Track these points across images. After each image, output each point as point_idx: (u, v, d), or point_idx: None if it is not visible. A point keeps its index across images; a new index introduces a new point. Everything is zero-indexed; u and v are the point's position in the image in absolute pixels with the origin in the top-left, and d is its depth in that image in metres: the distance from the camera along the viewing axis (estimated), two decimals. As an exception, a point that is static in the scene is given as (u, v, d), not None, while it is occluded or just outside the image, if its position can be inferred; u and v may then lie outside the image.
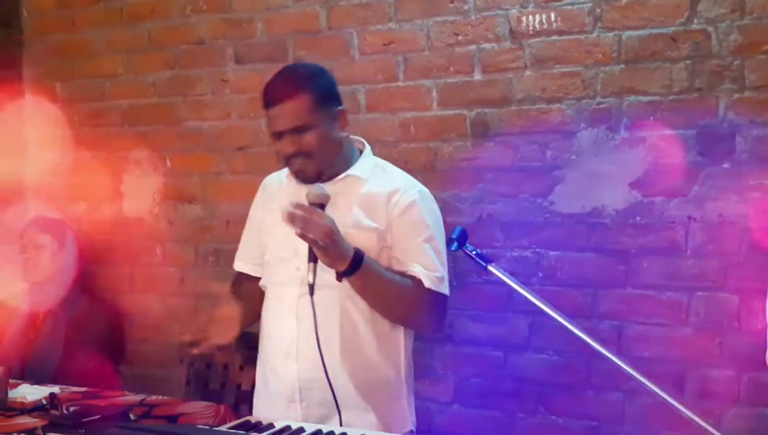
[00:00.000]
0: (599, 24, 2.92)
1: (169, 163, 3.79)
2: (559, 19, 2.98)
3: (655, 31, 2.84)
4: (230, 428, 1.93)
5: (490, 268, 1.88)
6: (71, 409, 2.37)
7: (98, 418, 2.07)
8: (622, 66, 2.89)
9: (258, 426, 1.94)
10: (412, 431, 2.38)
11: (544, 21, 3.01)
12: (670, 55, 2.83)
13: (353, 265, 2.08)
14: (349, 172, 2.30)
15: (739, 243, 2.75)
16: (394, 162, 3.22)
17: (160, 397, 2.66)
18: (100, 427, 1.87)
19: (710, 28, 2.77)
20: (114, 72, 3.91)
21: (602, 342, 1.69)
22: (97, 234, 3.91)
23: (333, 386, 2.10)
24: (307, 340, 2.16)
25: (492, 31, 3.09)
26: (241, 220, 3.57)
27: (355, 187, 2.28)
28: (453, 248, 1.97)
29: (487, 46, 3.10)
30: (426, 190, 2.37)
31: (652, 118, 2.86)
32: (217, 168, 3.68)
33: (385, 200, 2.26)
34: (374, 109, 3.33)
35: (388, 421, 2.27)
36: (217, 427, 2.04)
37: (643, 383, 1.60)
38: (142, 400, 2.59)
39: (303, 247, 2.11)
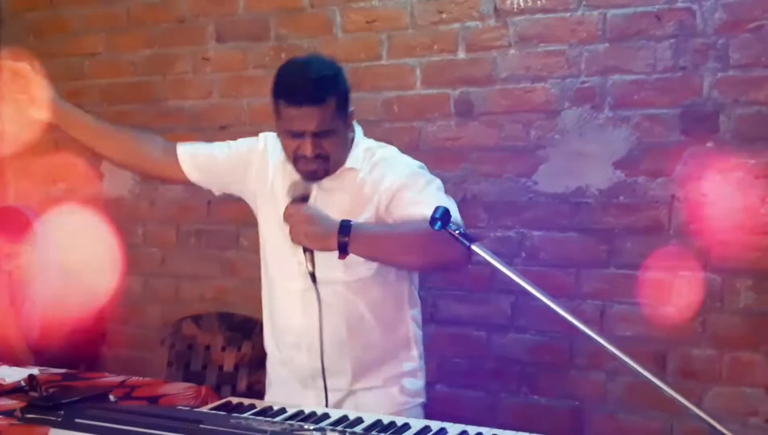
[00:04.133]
0: (584, 2, 2.90)
1: (149, 143, 3.75)
2: (543, -3, 2.97)
3: (639, 9, 2.83)
4: (211, 409, 1.91)
5: (474, 247, 1.85)
6: (50, 390, 2.35)
7: (78, 400, 2.04)
8: (607, 45, 2.88)
9: (240, 407, 1.93)
10: (424, 403, 2.40)
11: (528, -1, 2.99)
12: (654, 34, 2.81)
13: (342, 235, 2.03)
14: (347, 165, 2.26)
15: (721, 222, 2.75)
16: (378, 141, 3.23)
17: (140, 378, 2.64)
18: (79, 408, 1.83)
19: (695, 7, 2.76)
20: (93, 50, 3.86)
21: (585, 321, 1.68)
22: (77, 215, 3.87)
23: (343, 372, 2.22)
24: (314, 331, 2.18)
25: (476, 9, 3.07)
26: (223, 200, 3.56)
27: (349, 178, 2.26)
28: (436, 228, 1.94)
29: (471, 24, 3.08)
30: (411, 160, 2.31)
31: (636, 97, 2.85)
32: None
33: (377, 184, 2.24)
34: (357, 87, 3.26)
35: (406, 395, 2.33)
36: (198, 408, 2.02)
37: (625, 362, 1.58)
38: (123, 381, 2.57)
39: None
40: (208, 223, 3.65)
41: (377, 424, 1.82)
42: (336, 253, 2.04)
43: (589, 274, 2.94)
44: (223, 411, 1.88)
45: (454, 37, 3.10)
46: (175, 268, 3.71)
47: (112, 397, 2.26)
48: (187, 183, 2.49)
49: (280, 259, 2.33)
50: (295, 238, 2.07)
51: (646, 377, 1.57)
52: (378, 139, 3.19)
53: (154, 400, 2.39)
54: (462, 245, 2.04)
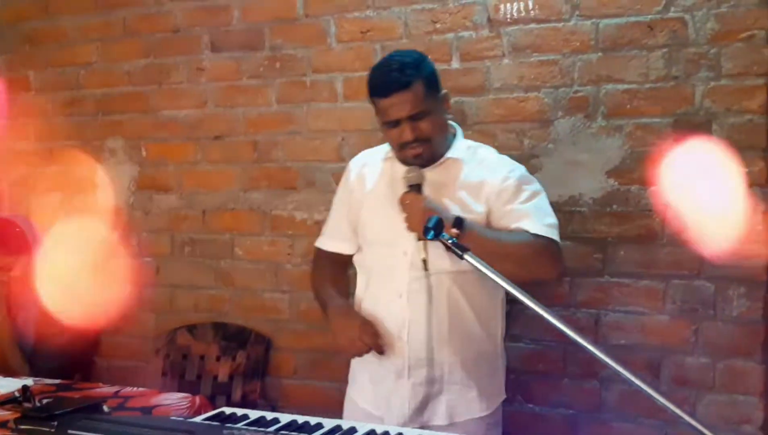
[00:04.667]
0: (576, 12, 2.92)
1: (144, 153, 3.75)
2: (536, 7, 2.98)
3: (632, 19, 2.84)
4: (204, 419, 1.91)
5: (467, 257, 1.87)
6: (44, 401, 2.34)
7: (71, 411, 2.03)
8: (600, 54, 2.89)
9: (233, 417, 1.93)
10: (504, 399, 2.50)
11: (521, 9, 3.00)
12: (647, 44, 2.83)
13: (456, 229, 2.11)
14: (448, 155, 2.36)
15: (714, 231, 2.76)
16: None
17: (135, 388, 2.64)
18: (73, 419, 1.84)
19: (687, 16, 2.77)
20: (88, 60, 3.86)
21: (579, 330, 1.69)
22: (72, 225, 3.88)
23: (440, 364, 2.30)
24: (418, 321, 2.28)
25: (470, 19, 3.08)
26: (218, 210, 3.58)
27: (454, 169, 2.35)
28: (429, 237, 1.96)
29: (464, 34, 3.09)
30: (518, 164, 2.41)
31: (628, 106, 2.86)
32: (194, 157, 3.64)
33: (482, 184, 2.32)
34: (352, 97, 3.31)
35: (488, 393, 2.41)
36: (191, 418, 2.02)
37: (619, 371, 1.59)
38: (117, 391, 2.57)
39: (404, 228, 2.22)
40: (202, 233, 3.65)
41: (371, 434, 1.82)
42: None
43: (583, 283, 2.95)
44: (217, 421, 1.88)
45: (448, 47, 3.11)
46: (170, 278, 3.71)
47: (105, 408, 2.25)
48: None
49: (382, 247, 2.39)
50: (411, 226, 2.17)
51: (638, 386, 1.58)
52: (373, 147, 3.21)
53: (147, 410, 2.39)
54: (557, 264, 2.28)
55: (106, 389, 2.62)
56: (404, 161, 2.32)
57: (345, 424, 1.87)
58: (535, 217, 2.26)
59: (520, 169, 2.39)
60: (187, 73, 3.64)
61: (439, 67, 3.07)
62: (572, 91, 2.94)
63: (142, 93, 3.74)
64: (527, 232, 2.24)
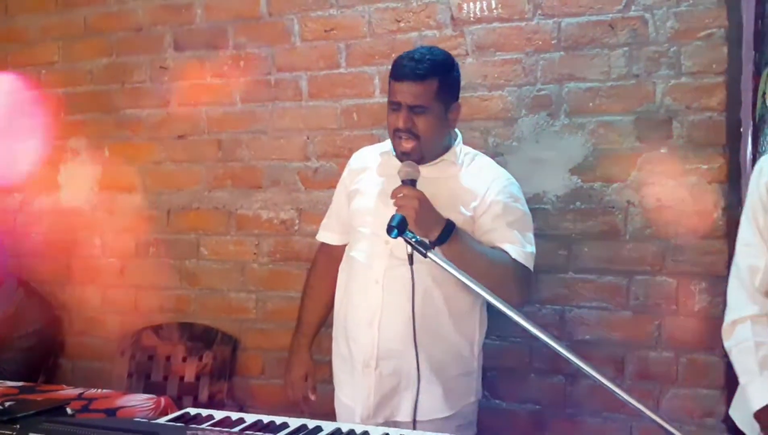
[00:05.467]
0: (539, 11, 2.94)
1: (107, 153, 3.72)
2: (499, 6, 3.00)
3: (593, 18, 2.87)
4: (169, 421, 1.90)
5: (430, 254, 1.88)
6: (7, 404, 2.30)
7: (34, 413, 2.01)
8: (562, 53, 2.92)
9: (197, 418, 1.92)
10: (478, 400, 2.54)
11: (484, 8, 3.02)
12: (608, 42, 2.86)
13: (444, 233, 2.20)
14: (445, 157, 2.40)
15: (676, 227, 2.80)
16: (338, 150, 3.25)
17: (99, 390, 2.62)
18: (35, 422, 1.82)
19: (647, 15, 2.81)
20: (49, 60, 3.82)
21: (545, 326, 1.70)
22: (34, 225, 3.83)
23: (408, 358, 2.29)
24: (389, 310, 2.31)
25: (433, 18, 3.09)
26: (182, 209, 3.55)
27: (449, 171, 2.40)
28: (393, 236, 1.97)
29: (428, 33, 3.10)
30: (512, 177, 2.46)
31: (591, 104, 2.89)
32: (157, 157, 3.61)
33: (475, 190, 2.37)
34: (316, 96, 3.30)
35: (455, 395, 2.42)
36: (156, 419, 2.01)
37: (582, 368, 1.61)
38: (81, 393, 2.54)
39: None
40: (167, 233, 3.63)
41: (336, 433, 1.82)
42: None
43: (548, 279, 2.97)
44: (181, 422, 1.87)
45: (412, 46, 3.10)
46: (135, 279, 3.68)
47: (69, 410, 2.23)
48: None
49: (366, 237, 2.42)
50: (401, 209, 2.17)
51: (602, 383, 1.60)
52: (338, 147, 3.23)
53: (112, 412, 2.37)
54: (525, 292, 2.37)
55: (70, 391, 2.60)
56: (398, 154, 2.36)
57: (310, 423, 1.87)
58: (519, 242, 2.32)
59: (514, 186, 2.43)
60: (150, 72, 3.61)
61: (403, 65, 3.12)
62: (535, 90, 2.96)
63: (105, 92, 3.71)
64: (508, 254, 2.30)
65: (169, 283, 3.62)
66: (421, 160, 2.33)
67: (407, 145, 2.31)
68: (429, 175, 2.32)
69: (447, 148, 2.42)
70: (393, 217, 1.95)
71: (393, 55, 3.12)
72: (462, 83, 3.01)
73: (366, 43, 3.20)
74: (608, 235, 2.89)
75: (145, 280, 3.66)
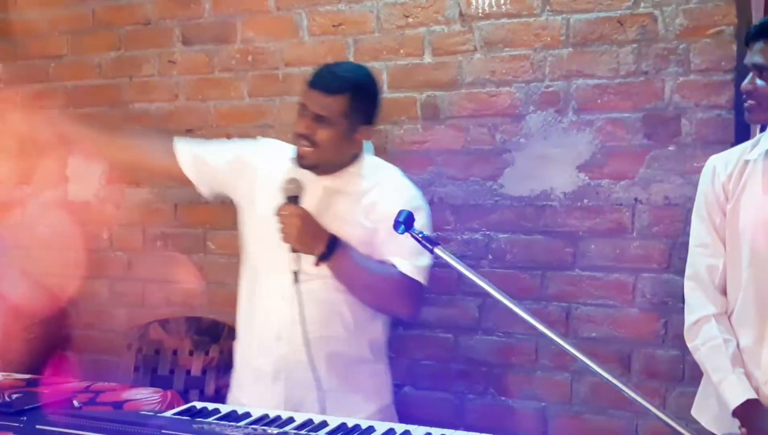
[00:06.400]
0: (547, 7, 2.93)
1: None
2: (508, 1, 2.99)
3: (602, 14, 2.86)
4: (175, 414, 1.91)
5: (437, 250, 1.87)
6: (14, 396, 2.32)
7: (41, 406, 2.02)
8: (570, 49, 2.91)
9: (203, 411, 1.92)
10: (388, 405, 2.48)
11: (493, 4, 3.01)
12: (617, 39, 2.85)
13: (328, 249, 2.19)
14: (350, 168, 2.36)
15: (683, 224, 2.79)
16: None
17: (106, 383, 2.62)
18: (42, 414, 1.83)
19: (656, 12, 2.80)
20: (58, 53, 3.82)
21: (551, 323, 1.71)
22: (42, 218, 3.84)
23: (315, 368, 2.25)
24: (294, 324, 2.26)
25: (442, 13, 3.08)
26: (190, 203, 3.56)
27: (352, 183, 2.35)
28: (399, 232, 1.96)
29: (436, 28, 3.10)
30: (414, 189, 2.41)
31: (599, 101, 2.88)
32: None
33: (376, 202, 2.33)
34: (324, 91, 3.29)
35: (370, 396, 2.40)
36: (162, 412, 2.01)
37: (588, 365, 1.61)
38: (88, 386, 2.55)
39: None
40: (174, 227, 3.64)
41: (342, 428, 1.82)
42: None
43: (554, 276, 2.97)
44: (187, 416, 1.87)
45: (420, 41, 3.11)
46: (142, 272, 3.69)
47: (76, 403, 2.24)
48: (184, 180, 2.51)
49: (268, 250, 2.36)
50: (286, 238, 2.18)
51: (609, 380, 1.59)
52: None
53: (118, 405, 2.37)
54: (414, 305, 2.35)
55: (76, 384, 2.60)
56: (296, 157, 2.30)
57: (316, 418, 1.88)
58: (409, 255, 2.27)
59: (415, 199, 2.37)
60: (158, 65, 3.62)
61: (410, 61, 3.13)
62: (543, 86, 2.96)
63: (113, 86, 3.71)
64: (396, 268, 2.28)
65: (176, 277, 3.62)
66: (317, 168, 2.30)
67: (304, 150, 2.27)
68: (331, 186, 2.31)
69: (354, 159, 2.37)
70: (400, 213, 1.94)
71: (401, 51, 3.15)
72: (470, 79, 3.05)
73: (374, 38, 3.19)
74: (615, 233, 2.88)
75: (152, 274, 3.66)
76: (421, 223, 2.29)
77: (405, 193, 2.38)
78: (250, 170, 2.46)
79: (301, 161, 2.29)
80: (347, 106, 2.25)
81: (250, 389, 2.39)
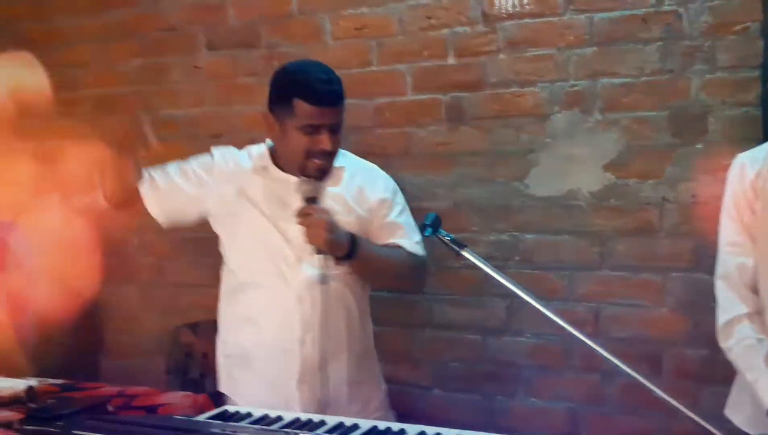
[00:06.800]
0: (571, 6, 2.93)
1: (144, 152, 3.75)
2: (531, 1, 2.98)
3: (626, 12, 2.85)
4: (208, 418, 1.92)
5: (464, 252, 1.88)
6: (49, 401, 2.35)
7: (77, 411, 2.05)
8: (594, 48, 2.90)
9: (236, 415, 1.94)
10: (385, 388, 2.56)
11: (516, 4, 3.01)
12: (641, 37, 2.83)
13: (352, 248, 2.23)
14: (335, 164, 2.39)
15: (712, 223, 2.76)
16: (370, 148, 3.25)
17: (139, 387, 2.64)
18: (78, 419, 1.85)
19: (681, 10, 2.78)
20: (85, 60, 3.87)
21: (579, 324, 1.70)
22: (72, 224, 3.88)
23: (348, 365, 2.36)
24: (316, 325, 2.30)
25: (465, 14, 3.09)
26: (217, 209, 3.56)
27: (338, 177, 2.39)
28: (427, 234, 1.97)
29: (460, 29, 3.10)
30: (378, 168, 2.50)
31: (624, 100, 2.87)
32: (192, 156, 3.63)
33: (363, 190, 2.40)
34: (348, 94, 3.25)
35: (379, 382, 2.52)
36: (194, 417, 2.03)
37: (618, 365, 1.61)
38: (121, 391, 2.57)
39: (297, 238, 2.24)
40: (202, 231, 3.64)
41: (373, 431, 1.83)
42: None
43: (582, 277, 2.96)
44: (220, 420, 1.89)
45: (444, 43, 3.12)
46: (172, 277, 3.72)
47: (110, 408, 2.27)
48: None
49: (266, 260, 2.39)
50: (312, 241, 2.18)
51: (638, 379, 1.59)
52: (370, 145, 3.24)
53: (152, 409, 2.39)
54: (422, 279, 2.54)
55: (109, 389, 2.62)
56: (303, 171, 2.29)
57: (348, 422, 1.88)
58: (408, 233, 2.39)
59: (389, 180, 2.48)
60: (184, 71, 3.65)
61: (434, 63, 3.14)
62: (568, 86, 2.95)
63: (140, 93, 3.75)
64: (403, 248, 2.37)
65: (205, 280, 3.63)
66: (328, 175, 2.34)
67: (324, 164, 2.30)
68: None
69: None
70: (427, 216, 1.95)
71: (425, 53, 3.16)
72: (494, 80, 3.05)
73: (397, 41, 3.20)
74: (643, 232, 2.87)
75: (182, 279, 3.69)
76: (402, 202, 2.45)
77: (382, 176, 2.48)
78: (210, 185, 2.52)
79: (321, 175, 2.30)
80: (344, 108, 2.33)
81: (267, 396, 2.35)
